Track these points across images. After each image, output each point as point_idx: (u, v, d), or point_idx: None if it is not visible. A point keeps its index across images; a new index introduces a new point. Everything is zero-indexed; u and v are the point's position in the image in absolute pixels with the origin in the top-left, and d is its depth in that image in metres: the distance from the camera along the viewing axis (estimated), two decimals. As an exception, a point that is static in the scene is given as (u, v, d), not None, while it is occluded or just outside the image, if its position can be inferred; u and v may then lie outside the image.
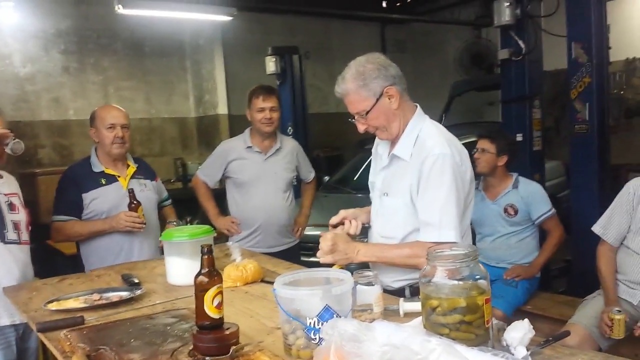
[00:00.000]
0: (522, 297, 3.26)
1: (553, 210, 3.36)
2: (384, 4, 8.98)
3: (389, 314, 1.68)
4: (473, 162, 3.28)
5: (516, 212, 3.33)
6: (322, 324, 1.36)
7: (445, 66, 9.07)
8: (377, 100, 1.85)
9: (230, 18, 5.93)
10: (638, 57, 7.17)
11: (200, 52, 7.77)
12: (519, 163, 4.65)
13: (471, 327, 1.26)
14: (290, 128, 6.34)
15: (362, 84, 1.84)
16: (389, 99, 1.86)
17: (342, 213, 2.01)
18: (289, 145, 3.48)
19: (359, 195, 5.23)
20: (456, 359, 0.99)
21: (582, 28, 4.09)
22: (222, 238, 3.23)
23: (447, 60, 9.01)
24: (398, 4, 9.13)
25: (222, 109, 7.69)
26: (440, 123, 7.34)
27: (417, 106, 1.98)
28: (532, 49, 4.40)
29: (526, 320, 1.35)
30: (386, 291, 1.87)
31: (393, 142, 1.95)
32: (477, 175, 3.40)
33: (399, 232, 1.90)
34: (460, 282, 1.28)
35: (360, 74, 1.85)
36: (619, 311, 2.49)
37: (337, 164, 7.32)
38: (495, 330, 1.34)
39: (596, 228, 2.75)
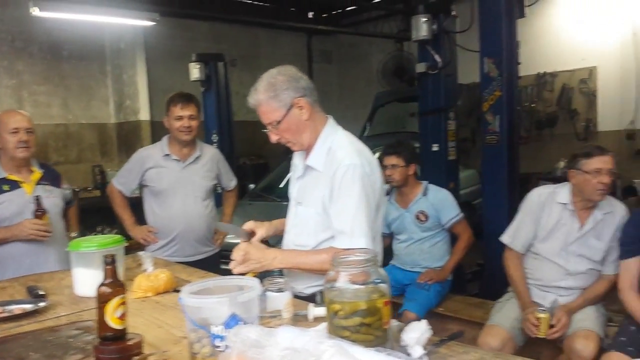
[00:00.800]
0: (434, 299, 3.38)
1: (461, 214, 3.51)
2: (310, 15, 9.10)
3: (300, 319, 1.70)
4: (385, 178, 3.44)
5: (427, 218, 3.46)
6: (228, 332, 1.36)
7: (370, 77, 9.30)
8: (288, 111, 1.89)
9: (153, 23, 5.83)
10: (548, 72, 7.63)
11: (122, 56, 7.57)
12: (435, 172, 4.86)
13: (370, 329, 1.30)
14: (215, 135, 6.28)
15: (273, 95, 1.87)
16: (299, 110, 1.90)
17: (251, 224, 2.03)
18: (209, 153, 3.44)
19: (284, 203, 5.20)
20: (347, 359, 1.02)
21: (494, 44, 4.30)
22: (142, 248, 3.16)
23: (372, 72, 9.24)
24: (324, 15, 9.29)
25: (144, 115, 7.51)
26: (364, 133, 7.52)
27: (328, 117, 2.03)
28: (447, 63, 4.59)
29: (424, 321, 1.42)
30: (299, 297, 1.90)
31: (307, 152, 1.99)
32: (392, 188, 3.54)
33: (311, 241, 1.95)
34: (362, 286, 1.32)
35: (272, 85, 1.88)
36: (544, 310, 2.59)
37: (263, 172, 7.33)
38: (395, 331, 1.39)
39: (505, 238, 2.89)
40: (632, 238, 2.51)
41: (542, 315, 2.58)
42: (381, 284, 1.35)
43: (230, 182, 3.62)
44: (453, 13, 4.57)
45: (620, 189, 7.05)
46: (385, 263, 3.14)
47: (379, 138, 7.10)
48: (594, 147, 2.66)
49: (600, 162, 2.55)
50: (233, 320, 1.39)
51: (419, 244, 3.50)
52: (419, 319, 3.17)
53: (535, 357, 2.74)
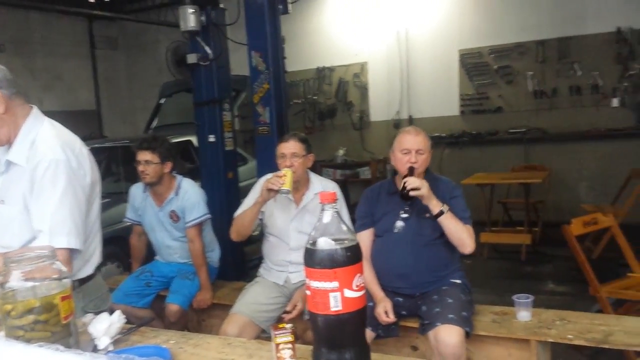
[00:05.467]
0: (198, 289, 3.42)
1: (202, 218, 3.37)
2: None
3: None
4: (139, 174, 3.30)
5: (179, 218, 3.39)
6: None
7: (161, 66, 9.06)
8: None
9: None
10: (327, 67, 8.16)
11: None
12: (213, 162, 4.94)
13: (47, 325, 1.29)
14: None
15: None
16: None
17: None
18: None
19: None
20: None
21: (260, 38, 4.46)
22: None
23: (161, 60, 9.01)
24: (107, 0, 8.78)
25: None
26: (152, 124, 7.21)
27: (32, 108, 1.91)
28: (218, 55, 4.66)
29: (117, 311, 1.44)
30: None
31: (10, 147, 1.87)
32: (147, 186, 3.44)
33: (15, 241, 1.82)
34: (37, 283, 1.31)
35: None
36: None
37: None
38: (81, 324, 1.40)
39: (238, 213, 3.00)
40: (364, 212, 2.81)
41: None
42: (64, 280, 1.35)
43: None
44: (221, 5, 4.65)
45: (390, 172, 7.89)
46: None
47: (168, 129, 6.98)
48: (286, 135, 3.01)
49: (283, 148, 2.92)
50: None
51: (179, 241, 3.46)
52: (183, 311, 3.26)
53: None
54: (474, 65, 7.29)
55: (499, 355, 2.55)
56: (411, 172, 2.53)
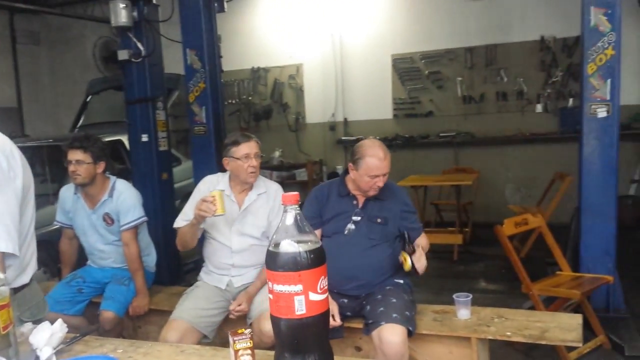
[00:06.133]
0: (134, 295, 3.28)
1: (138, 221, 3.24)
2: (11, -9, 8.04)
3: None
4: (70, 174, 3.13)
5: (113, 222, 3.24)
6: None
7: (87, 63, 8.68)
8: None
9: None
10: (262, 67, 8.10)
11: None
12: (146, 163, 4.78)
13: (-16, 337, 1.19)
14: None
15: None
16: None
17: None
18: None
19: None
20: None
21: (195, 36, 4.38)
22: None
23: (87, 56, 8.63)
24: (29, -8, 8.30)
25: None
26: (79, 122, 6.92)
27: None
28: (151, 52, 4.52)
29: (59, 320, 1.35)
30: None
31: None
32: (78, 187, 3.26)
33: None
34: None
35: None
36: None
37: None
38: (19, 334, 1.30)
39: (178, 222, 2.93)
40: (313, 213, 2.78)
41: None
42: (1, 288, 1.24)
43: None
44: (154, 1, 4.51)
45: (327, 174, 7.94)
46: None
47: (96, 127, 6.69)
48: (240, 135, 2.89)
49: (247, 148, 2.80)
50: None
51: (113, 245, 3.30)
52: (118, 318, 3.12)
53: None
54: (406, 70, 7.46)
55: (440, 353, 2.60)
56: (407, 240, 2.59)
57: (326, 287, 1.13)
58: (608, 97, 3.58)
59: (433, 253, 5.85)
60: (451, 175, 6.56)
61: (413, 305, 2.67)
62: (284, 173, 7.95)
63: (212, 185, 2.94)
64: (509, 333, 2.45)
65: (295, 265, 1.09)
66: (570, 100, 6.72)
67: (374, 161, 2.58)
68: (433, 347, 2.62)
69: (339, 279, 2.68)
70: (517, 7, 6.84)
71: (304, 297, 1.09)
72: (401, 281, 2.73)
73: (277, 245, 1.12)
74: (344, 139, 7.76)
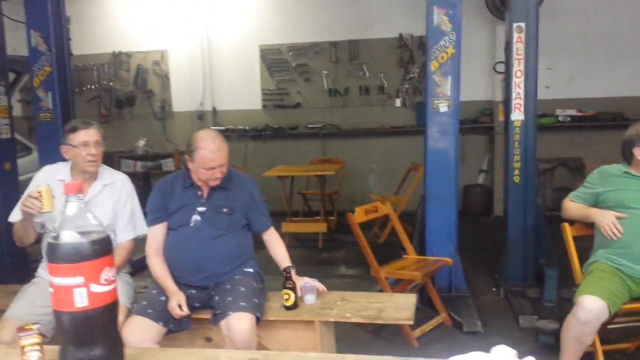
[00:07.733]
0: None
1: None
2: None
3: None
4: None
5: None
6: None
7: None
8: None
9: None
10: (124, 52, 7.71)
11: None
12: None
13: None
14: None
15: None
16: None
17: None
18: None
19: None
20: None
21: (40, 17, 4.10)
22: None
23: None
24: None
25: None
26: None
27: None
28: (-11, 31, 4.14)
29: None
30: None
31: None
32: None
33: None
34: None
35: None
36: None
37: None
38: None
39: (14, 216, 2.77)
40: (157, 206, 2.72)
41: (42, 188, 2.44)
42: None
43: None
44: (-8, -24, 4.13)
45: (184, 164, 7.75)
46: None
47: None
48: (80, 121, 2.77)
49: (86, 135, 2.68)
50: None
51: None
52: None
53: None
54: (274, 61, 7.51)
55: (287, 338, 2.67)
56: (287, 276, 2.66)
57: (112, 278, 1.11)
58: (449, 93, 3.85)
59: (299, 241, 6.07)
60: (317, 165, 6.73)
61: (262, 293, 2.71)
62: (150, 163, 7.67)
63: (52, 175, 2.77)
64: (348, 315, 2.56)
65: (75, 256, 1.06)
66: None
67: (207, 153, 2.58)
68: (280, 332, 2.68)
69: (186, 271, 2.66)
70: (378, 4, 7.14)
71: (85, 289, 1.06)
72: (251, 270, 2.76)
73: (57, 236, 1.07)
74: (213, 129, 7.61)
